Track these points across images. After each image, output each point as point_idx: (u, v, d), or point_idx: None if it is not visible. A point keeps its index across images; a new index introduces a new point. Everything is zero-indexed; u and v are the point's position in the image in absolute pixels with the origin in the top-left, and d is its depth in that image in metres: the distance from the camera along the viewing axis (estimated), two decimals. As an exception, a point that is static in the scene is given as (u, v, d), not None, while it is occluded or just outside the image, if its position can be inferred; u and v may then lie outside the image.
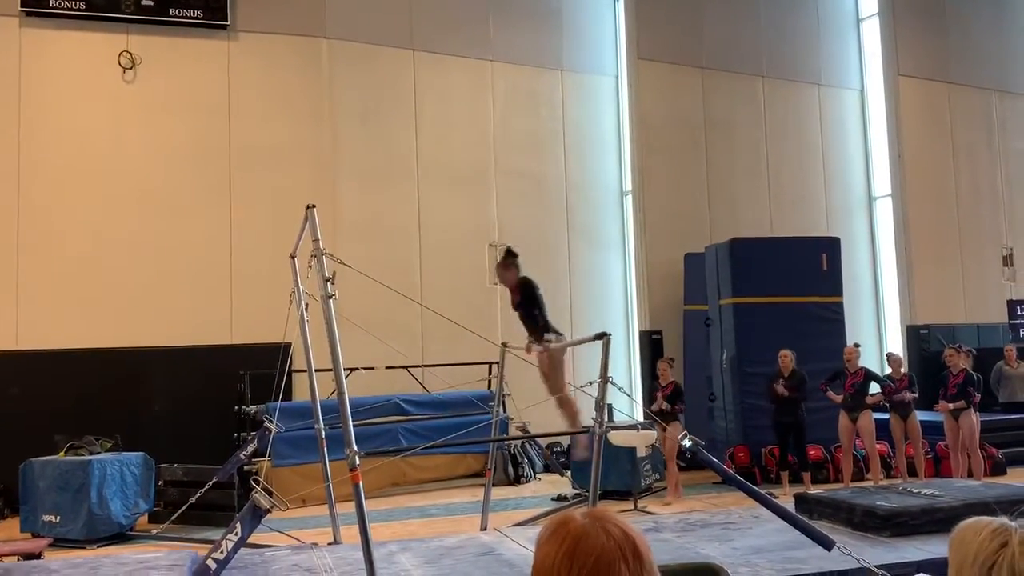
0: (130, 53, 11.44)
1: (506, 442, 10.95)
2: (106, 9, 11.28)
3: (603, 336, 5.89)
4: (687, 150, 13.90)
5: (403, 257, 12.36)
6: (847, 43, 15.34)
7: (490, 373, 11.16)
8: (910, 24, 14.65)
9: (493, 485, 8.18)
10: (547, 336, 6.42)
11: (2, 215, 10.75)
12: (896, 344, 14.16)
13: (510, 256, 6.66)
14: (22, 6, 10.96)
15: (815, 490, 8.60)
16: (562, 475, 10.72)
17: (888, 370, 10.14)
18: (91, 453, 8.54)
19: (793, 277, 11.18)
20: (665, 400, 9.46)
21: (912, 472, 9.89)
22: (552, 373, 6.72)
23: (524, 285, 6.60)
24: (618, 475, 9.46)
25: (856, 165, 15.22)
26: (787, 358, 9.70)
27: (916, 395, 9.80)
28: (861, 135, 15.28)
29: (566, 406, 6.82)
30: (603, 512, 1.31)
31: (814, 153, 14.89)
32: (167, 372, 10.94)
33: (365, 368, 9.59)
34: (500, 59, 13.49)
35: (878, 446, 9.94)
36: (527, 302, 6.58)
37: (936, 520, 6.02)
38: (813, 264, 11.33)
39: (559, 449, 12.56)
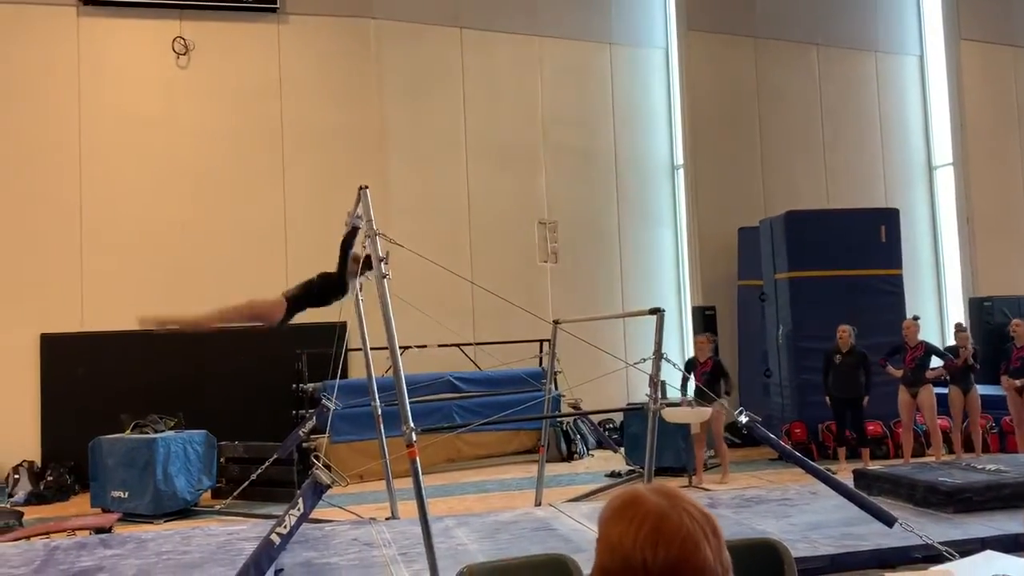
0: (183, 39, 11.63)
1: (559, 419, 10.98)
2: (159, -4, 11.48)
3: (657, 311, 5.85)
4: (740, 122, 13.65)
5: (453, 235, 12.41)
6: (906, 8, 14.86)
7: (541, 350, 11.17)
8: (972, -14, 14.12)
9: (546, 461, 8.22)
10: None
11: (66, 201, 11.06)
12: (958, 317, 13.80)
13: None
14: (79, -5, 11.22)
15: (874, 466, 8.46)
16: (615, 451, 10.72)
17: (953, 341, 9.88)
18: (156, 431, 8.79)
19: (850, 250, 10.94)
20: (704, 379, 9.17)
21: (971, 447, 9.68)
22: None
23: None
24: (672, 452, 9.42)
25: (915, 134, 14.79)
26: (846, 333, 9.50)
27: (977, 366, 9.56)
28: (920, 102, 14.83)
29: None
30: (674, 491, 1.29)
31: (871, 122, 14.50)
32: (227, 352, 11.16)
33: (418, 346, 9.71)
34: (548, 34, 13.39)
35: (939, 422, 9.73)
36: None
37: (1002, 496, 5.89)
38: (871, 236, 11.07)
39: (612, 426, 12.57)
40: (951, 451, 9.92)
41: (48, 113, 11.12)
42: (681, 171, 13.86)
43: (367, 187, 5.44)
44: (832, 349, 9.57)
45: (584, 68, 13.69)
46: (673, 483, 8.89)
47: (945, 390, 9.80)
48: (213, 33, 11.76)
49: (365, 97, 12.33)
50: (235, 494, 8.66)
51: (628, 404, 11.18)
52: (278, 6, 11.94)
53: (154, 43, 11.59)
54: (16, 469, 10.01)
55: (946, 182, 14.46)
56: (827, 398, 9.62)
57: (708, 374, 9.27)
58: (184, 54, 11.64)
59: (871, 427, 10.07)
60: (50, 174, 11.06)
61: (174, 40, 11.60)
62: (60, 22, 11.23)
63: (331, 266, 5.93)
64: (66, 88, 11.19)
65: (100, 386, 10.54)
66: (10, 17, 11.03)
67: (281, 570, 5.22)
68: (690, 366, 9.68)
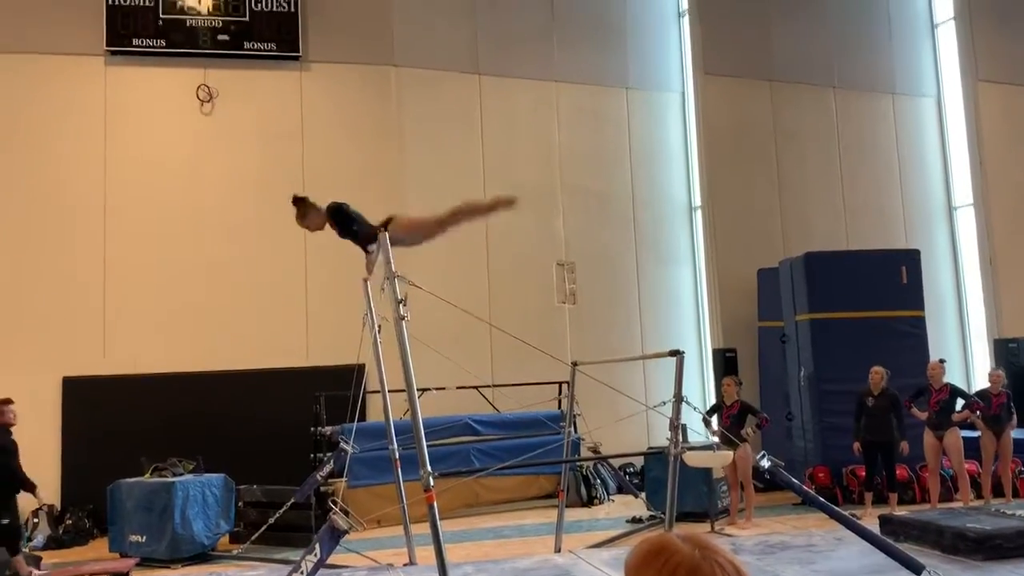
0: (207, 86, 11.86)
1: (578, 463, 10.87)
2: (185, 45, 11.76)
3: (676, 353, 5.81)
4: (757, 164, 13.68)
5: (472, 277, 12.44)
6: (921, 50, 14.92)
7: (560, 392, 11.11)
8: (988, 28, 14.16)
9: (566, 506, 8.12)
10: (370, 248, 5.73)
11: (90, 245, 11.22)
12: (983, 358, 13.62)
13: (301, 202, 5.80)
14: (107, 45, 11.50)
15: (900, 511, 8.29)
16: (636, 496, 10.58)
17: (983, 384, 9.74)
18: (174, 475, 8.78)
19: (871, 291, 10.86)
20: (731, 421, 9.22)
21: (1000, 492, 9.47)
22: (425, 226, 5.92)
23: (335, 212, 5.75)
24: (694, 497, 9.28)
25: (934, 174, 14.75)
26: (878, 375, 9.35)
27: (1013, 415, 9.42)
28: (939, 143, 14.81)
29: (464, 212, 5.97)
30: (706, 540, 1.25)
31: (890, 163, 14.49)
32: (245, 394, 11.20)
33: (436, 388, 9.69)
34: (564, 79, 13.54)
35: (967, 465, 9.54)
36: (344, 225, 5.76)
37: (1033, 543, 5.74)
38: (892, 277, 10.99)
39: (632, 470, 12.42)
40: (979, 496, 9.71)
41: (74, 158, 11.34)
42: (699, 212, 13.87)
43: (385, 230, 5.48)
44: (864, 391, 9.43)
45: (601, 112, 13.80)
46: (695, 529, 8.77)
47: (972, 433, 9.64)
48: (237, 81, 11.99)
49: (385, 142, 12.48)
50: (252, 538, 8.61)
51: (649, 448, 11.06)
52: (301, 54, 12.17)
53: (179, 91, 11.83)
54: (36, 513, 10.01)
55: (967, 223, 14.36)
56: (857, 443, 9.41)
57: (735, 416, 9.23)
58: (208, 101, 11.86)
59: (897, 471, 9.88)
60: (75, 219, 11.24)
61: (198, 88, 11.83)
62: (88, 70, 11.50)
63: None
64: (92, 134, 11.41)
65: (120, 428, 10.57)
66: (40, 66, 11.31)
67: (297, 617, 5.16)
68: (716, 410, 9.63)
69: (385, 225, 5.59)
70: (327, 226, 5.80)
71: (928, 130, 14.81)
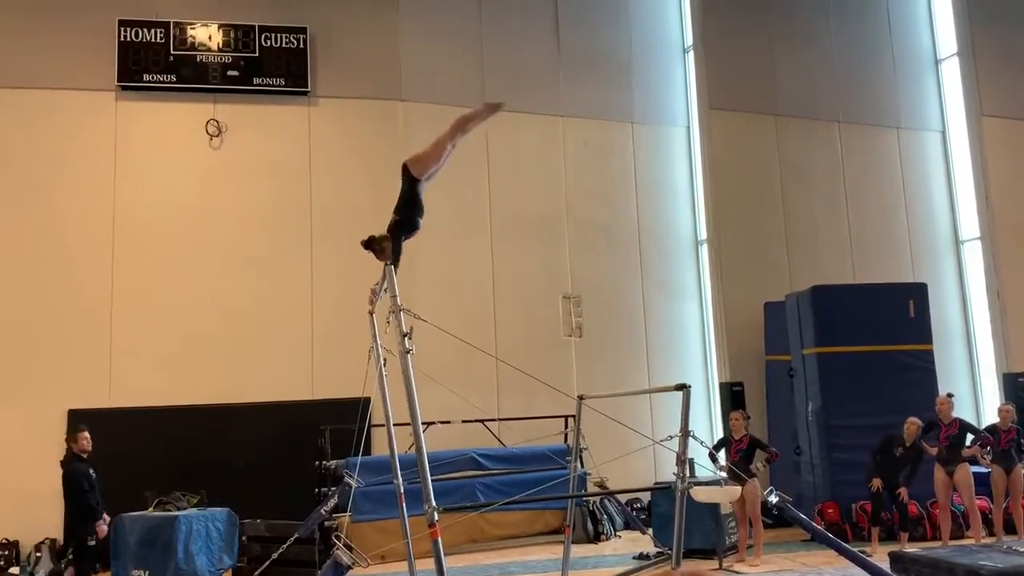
0: (217, 121, 11.98)
1: (585, 498, 10.77)
2: (195, 80, 11.91)
3: (683, 387, 5.78)
4: (763, 198, 13.72)
5: (478, 310, 12.45)
6: (926, 85, 15.02)
7: (566, 426, 11.05)
8: (992, 63, 14.26)
9: (572, 542, 8.03)
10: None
11: (97, 277, 11.27)
12: (992, 392, 13.52)
13: (371, 243, 6.20)
14: (119, 80, 11.65)
15: (911, 548, 8.18)
16: (643, 532, 10.47)
17: (992, 419, 9.66)
18: (178, 508, 8.73)
19: (879, 325, 10.81)
20: (740, 455, 9.14)
21: (1012, 529, 9.34)
22: (438, 149, 6.16)
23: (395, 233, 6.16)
24: (701, 533, 9.17)
25: (941, 208, 14.76)
26: (914, 427, 9.21)
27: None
28: (945, 177, 14.85)
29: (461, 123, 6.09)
30: (704, 573, 1.25)
31: (896, 197, 14.51)
32: (250, 428, 11.17)
33: (442, 422, 9.63)
34: (571, 114, 13.65)
35: (979, 502, 9.42)
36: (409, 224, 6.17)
37: (1047, 582, 5.65)
38: (900, 311, 10.95)
39: (639, 505, 12.31)
40: (991, 533, 9.59)
41: (84, 191, 11.43)
42: (705, 246, 13.89)
43: (392, 263, 5.49)
44: (895, 439, 9.29)
45: (607, 146, 13.89)
46: (704, 565, 8.66)
47: (983, 469, 9.54)
48: (245, 115, 12.11)
49: (393, 176, 12.21)
50: (256, 573, 8.50)
51: (656, 483, 10.97)
52: (309, 89, 12.30)
53: (188, 125, 11.96)
54: (38, 547, 9.96)
55: (974, 256, 14.35)
56: (878, 479, 9.25)
57: (744, 451, 9.15)
58: (217, 135, 11.98)
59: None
60: (83, 251, 11.30)
61: (208, 122, 11.96)
62: (99, 105, 11.64)
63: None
64: (103, 168, 11.52)
65: (125, 461, 10.49)
66: (53, 101, 11.45)
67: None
68: (724, 444, 9.55)
69: (412, 174, 5.96)
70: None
71: (933, 164, 14.86)
